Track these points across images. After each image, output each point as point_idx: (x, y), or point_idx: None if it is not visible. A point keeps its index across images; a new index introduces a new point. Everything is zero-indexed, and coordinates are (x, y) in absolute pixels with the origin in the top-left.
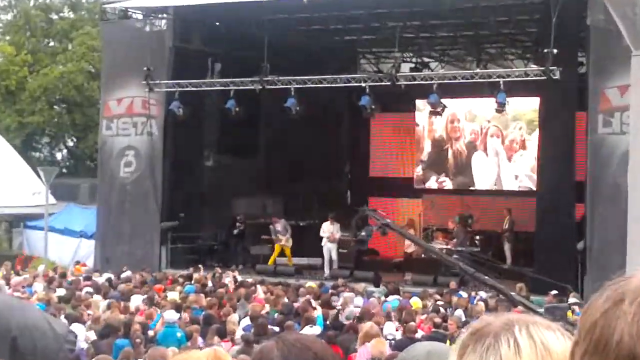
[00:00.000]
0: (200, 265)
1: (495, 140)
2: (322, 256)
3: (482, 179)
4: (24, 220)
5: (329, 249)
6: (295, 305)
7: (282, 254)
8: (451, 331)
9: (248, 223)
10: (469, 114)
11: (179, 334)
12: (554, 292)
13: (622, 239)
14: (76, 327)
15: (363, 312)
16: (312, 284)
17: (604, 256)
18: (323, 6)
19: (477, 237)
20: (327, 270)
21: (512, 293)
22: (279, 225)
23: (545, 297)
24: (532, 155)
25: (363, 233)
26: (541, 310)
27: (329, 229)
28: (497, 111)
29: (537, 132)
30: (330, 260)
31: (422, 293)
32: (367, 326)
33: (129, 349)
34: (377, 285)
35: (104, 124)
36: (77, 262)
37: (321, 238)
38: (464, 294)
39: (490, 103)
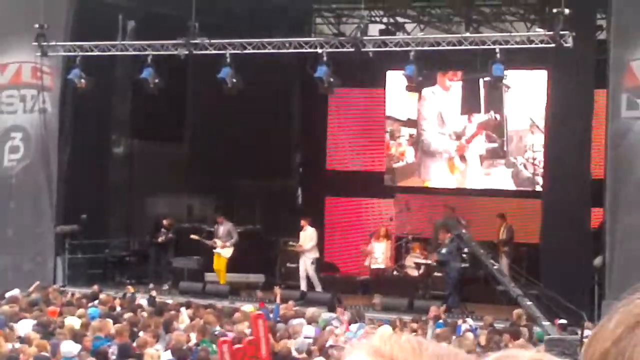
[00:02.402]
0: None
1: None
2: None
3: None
4: None
5: (305, 262)
6: (230, 335)
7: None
8: None
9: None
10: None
11: None
12: (562, 321)
13: None
14: None
15: (316, 345)
16: (251, 307)
17: (627, 275)
18: None
19: (466, 250)
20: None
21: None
22: (222, 228)
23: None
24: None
25: (444, 251)
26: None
27: (305, 237)
28: (492, 87)
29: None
30: (307, 279)
31: (395, 321)
32: None
33: None
34: (334, 310)
35: None
36: None
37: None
38: (447, 323)
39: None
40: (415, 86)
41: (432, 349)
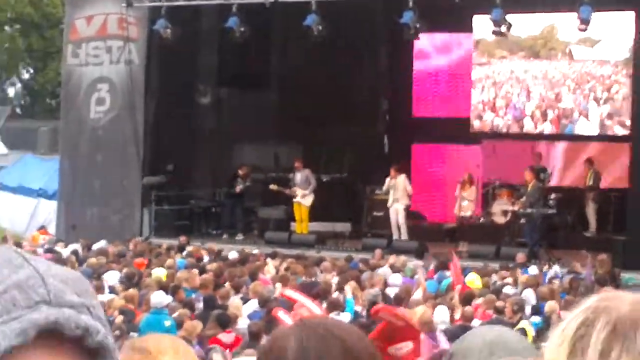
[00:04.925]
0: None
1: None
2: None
3: None
4: None
5: (396, 211)
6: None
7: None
8: (507, 316)
9: (254, 178)
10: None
11: (167, 322)
12: None
13: None
14: None
15: (402, 293)
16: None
17: None
18: None
19: (552, 196)
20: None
21: None
22: (300, 175)
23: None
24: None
25: None
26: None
27: (401, 185)
28: (580, 30)
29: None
30: (398, 227)
31: (482, 268)
32: (420, 311)
33: None
34: (421, 258)
35: (70, 50)
36: (42, 228)
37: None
38: (535, 270)
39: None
40: (501, 31)
41: None
